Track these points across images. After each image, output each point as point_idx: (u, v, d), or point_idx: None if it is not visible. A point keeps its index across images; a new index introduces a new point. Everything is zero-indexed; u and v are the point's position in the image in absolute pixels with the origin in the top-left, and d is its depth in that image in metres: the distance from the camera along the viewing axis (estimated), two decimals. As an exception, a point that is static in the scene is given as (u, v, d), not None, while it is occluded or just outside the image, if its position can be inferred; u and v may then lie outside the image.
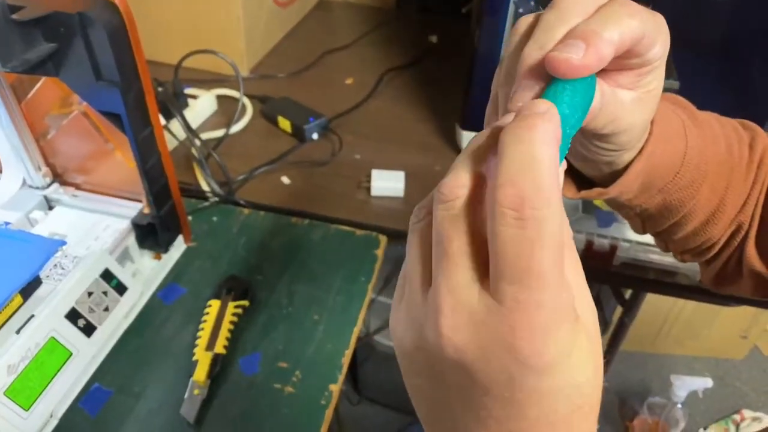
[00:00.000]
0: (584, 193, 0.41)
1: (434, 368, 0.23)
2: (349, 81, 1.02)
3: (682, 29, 0.97)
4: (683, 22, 0.91)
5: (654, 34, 0.28)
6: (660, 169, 0.39)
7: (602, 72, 0.30)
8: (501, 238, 0.21)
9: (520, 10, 0.68)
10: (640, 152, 0.38)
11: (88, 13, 0.47)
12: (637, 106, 0.32)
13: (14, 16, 0.45)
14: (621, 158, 0.37)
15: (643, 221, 0.46)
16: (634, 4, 0.28)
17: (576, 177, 0.42)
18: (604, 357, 1.20)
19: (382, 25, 1.20)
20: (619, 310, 1.08)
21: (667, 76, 0.91)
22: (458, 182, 0.23)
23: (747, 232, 0.45)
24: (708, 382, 1.19)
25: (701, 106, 0.71)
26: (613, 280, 0.72)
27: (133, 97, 0.52)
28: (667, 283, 0.68)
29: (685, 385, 1.18)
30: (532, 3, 0.68)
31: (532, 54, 0.26)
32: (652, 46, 0.29)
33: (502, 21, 0.70)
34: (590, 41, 0.25)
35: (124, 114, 0.52)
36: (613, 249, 0.67)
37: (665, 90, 0.92)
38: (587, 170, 0.41)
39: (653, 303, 1.31)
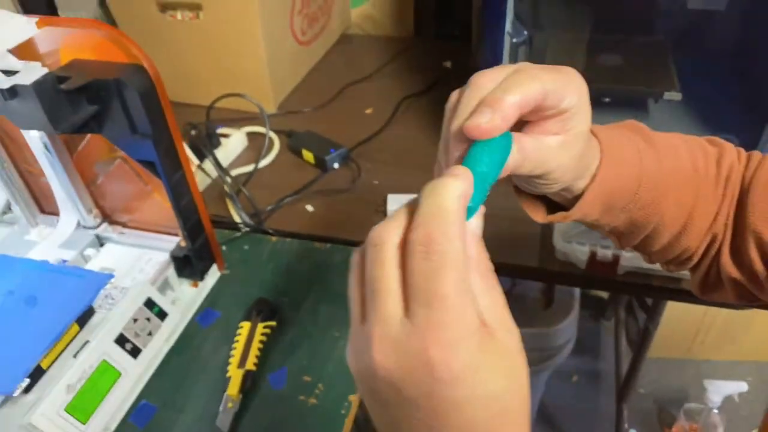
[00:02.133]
0: (550, 217, 0.46)
1: (374, 389, 0.28)
2: (368, 111, 1.08)
3: (687, 41, 1.00)
4: (688, 34, 0.94)
5: (560, 89, 0.34)
6: (617, 191, 0.43)
7: (532, 123, 0.36)
8: (413, 269, 0.26)
9: (514, 40, 0.73)
10: (593, 179, 0.42)
11: (122, 79, 0.54)
12: (563, 148, 0.37)
13: (62, 86, 0.53)
14: (575, 186, 0.42)
15: (617, 237, 0.50)
16: (536, 67, 0.33)
17: (547, 203, 0.47)
18: (633, 365, 1.21)
19: (400, 54, 1.26)
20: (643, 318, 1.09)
21: (669, 88, 0.94)
22: (386, 229, 0.28)
23: (721, 242, 0.48)
24: (743, 386, 1.18)
25: (705, 114, 0.74)
26: (618, 288, 0.74)
27: (164, 146, 0.60)
28: (672, 290, 0.71)
29: (719, 390, 1.18)
30: (525, 33, 0.73)
31: (454, 124, 0.33)
32: (561, 98, 0.34)
33: (499, 51, 0.75)
34: (495, 106, 0.31)
35: (158, 161, 0.60)
36: (616, 259, 0.70)
37: (669, 101, 0.95)
38: (555, 198, 0.46)
39: (686, 309, 1.31)
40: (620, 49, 0.93)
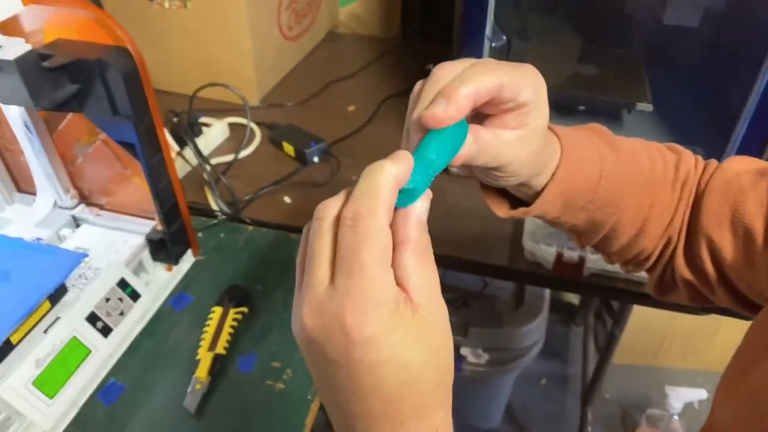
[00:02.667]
0: (512, 213, 0.47)
1: (307, 349, 0.31)
2: (351, 108, 1.10)
3: (661, 55, 1.04)
4: (662, 49, 0.97)
5: (516, 83, 0.36)
6: (576, 190, 0.45)
7: (493, 116, 0.38)
8: (341, 241, 0.29)
9: (493, 44, 0.75)
10: (553, 177, 0.44)
11: (105, 59, 0.55)
12: (520, 142, 0.39)
13: (44, 64, 0.54)
14: (534, 182, 0.44)
15: (577, 236, 0.52)
16: (495, 62, 0.36)
17: (511, 200, 0.49)
18: (598, 369, 1.24)
19: (385, 54, 1.28)
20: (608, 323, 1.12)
21: (641, 99, 0.97)
22: (327, 205, 0.31)
23: (676, 245, 0.50)
24: (703, 394, 1.22)
25: (676, 123, 0.76)
26: (583, 289, 0.77)
27: (145, 128, 0.61)
28: (635, 293, 0.73)
29: (681, 397, 1.21)
30: (504, 38, 0.75)
31: (413, 114, 0.35)
32: (517, 92, 0.36)
33: (477, 55, 0.77)
34: (450, 97, 0.33)
35: (137, 143, 0.60)
36: (582, 260, 0.72)
37: (640, 112, 0.98)
38: (517, 194, 0.48)
39: (652, 318, 1.35)
40: (597, 60, 0.96)
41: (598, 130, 0.49)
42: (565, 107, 0.94)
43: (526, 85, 0.36)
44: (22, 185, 0.79)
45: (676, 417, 1.24)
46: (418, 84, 0.37)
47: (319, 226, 0.30)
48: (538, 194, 0.45)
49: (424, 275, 0.30)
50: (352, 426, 0.31)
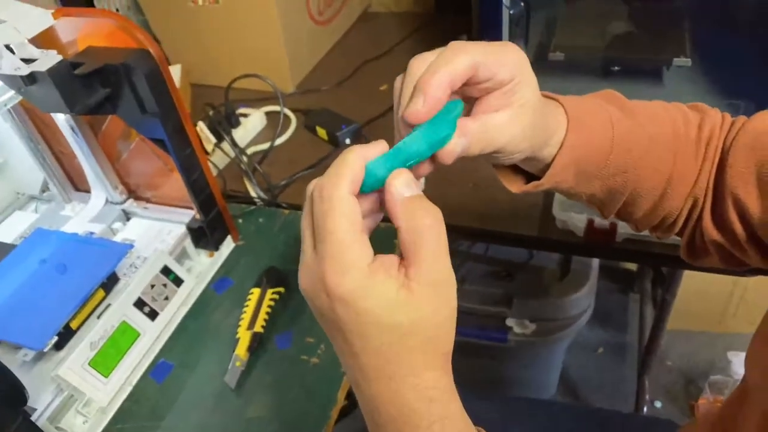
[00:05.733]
0: (524, 187, 0.48)
1: (310, 306, 0.35)
2: (383, 87, 1.11)
3: (704, 8, 0.98)
4: (697, 2, 0.92)
5: (492, 60, 0.36)
6: (588, 158, 0.45)
7: (479, 100, 0.39)
8: (314, 212, 0.32)
9: (512, 12, 0.74)
10: (561, 147, 0.44)
11: (130, 63, 0.59)
12: (511, 121, 0.39)
13: (76, 72, 0.58)
14: (541, 154, 0.44)
15: (598, 207, 0.51)
16: (469, 43, 0.36)
17: (525, 174, 0.49)
18: (653, 336, 1.20)
19: (418, 30, 1.28)
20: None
21: (678, 54, 0.92)
22: (313, 183, 0.34)
23: (702, 206, 0.49)
24: None
25: (717, 77, 0.72)
26: (617, 255, 0.75)
27: (172, 125, 0.64)
28: (671, 257, 0.71)
29: (743, 362, 1.15)
30: (522, 4, 0.73)
31: (398, 112, 0.37)
32: (494, 70, 0.36)
33: (498, 24, 0.76)
34: (426, 90, 0.34)
35: (166, 139, 0.64)
36: (614, 226, 0.71)
37: (682, 68, 0.94)
38: (529, 169, 0.47)
39: (713, 282, 1.29)
40: (631, 17, 0.92)
41: (611, 96, 0.48)
42: (599, 69, 0.91)
43: (502, 62, 0.37)
44: (79, 184, 0.86)
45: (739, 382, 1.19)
46: (398, 80, 0.39)
47: (306, 202, 0.34)
48: (545, 167, 0.45)
49: (418, 249, 0.32)
50: (355, 380, 0.35)
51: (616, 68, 0.90)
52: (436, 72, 0.34)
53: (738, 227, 0.47)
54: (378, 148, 0.34)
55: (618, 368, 1.45)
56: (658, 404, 1.37)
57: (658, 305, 1.16)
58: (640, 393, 1.31)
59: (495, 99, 0.38)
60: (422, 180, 0.38)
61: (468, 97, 0.39)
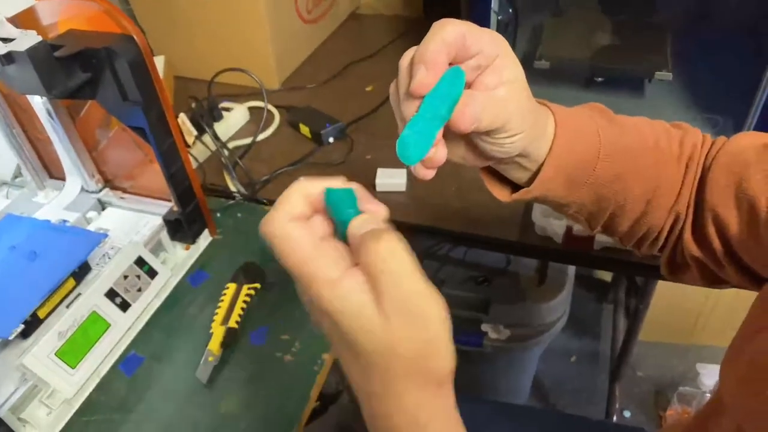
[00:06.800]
0: (514, 196, 0.48)
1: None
2: (369, 88, 1.11)
3: (686, 24, 0.99)
4: (687, 17, 0.94)
5: (476, 31, 0.38)
6: (576, 163, 0.45)
7: (474, 83, 0.40)
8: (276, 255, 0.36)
9: (500, 17, 0.74)
10: (549, 152, 0.44)
11: (112, 48, 0.58)
12: (510, 96, 0.40)
13: (56, 54, 0.57)
14: (533, 155, 0.44)
15: (586, 218, 0.51)
16: (451, 19, 0.38)
17: (512, 186, 0.49)
18: (625, 345, 1.22)
19: (406, 34, 1.28)
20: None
21: (660, 68, 0.94)
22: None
23: (684, 222, 0.50)
24: (735, 371, 1.18)
25: (697, 92, 0.73)
26: (594, 263, 0.76)
27: (154, 114, 0.63)
28: (648, 266, 0.72)
29: (712, 374, 1.18)
30: (511, 11, 0.74)
31: (401, 91, 0.39)
32: (479, 40, 0.38)
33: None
34: (424, 60, 0.36)
35: (147, 128, 0.63)
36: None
37: (664, 82, 0.95)
38: (519, 177, 0.48)
39: (687, 293, 1.31)
40: (616, 30, 0.93)
41: (597, 108, 0.49)
42: (582, 79, 0.92)
43: (485, 37, 0.38)
44: (54, 172, 0.84)
45: (708, 394, 1.22)
46: (392, 85, 0.40)
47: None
48: (533, 176, 0.45)
49: (377, 284, 0.32)
50: (364, 403, 0.36)
51: (600, 79, 0.91)
52: (429, 42, 0.37)
53: (717, 243, 0.48)
54: (317, 182, 0.38)
55: (590, 376, 1.46)
56: (627, 413, 1.39)
57: (631, 315, 1.17)
58: (610, 401, 1.32)
59: (488, 77, 0.39)
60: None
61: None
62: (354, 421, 0.91)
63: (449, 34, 0.37)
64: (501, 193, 0.49)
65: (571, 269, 1.16)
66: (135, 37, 0.59)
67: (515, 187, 0.49)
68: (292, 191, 0.37)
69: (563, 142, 0.44)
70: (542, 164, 0.45)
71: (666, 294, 1.23)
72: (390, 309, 0.31)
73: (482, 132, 0.41)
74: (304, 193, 0.37)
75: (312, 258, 0.33)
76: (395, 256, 0.32)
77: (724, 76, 0.82)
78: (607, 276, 1.60)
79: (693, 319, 1.40)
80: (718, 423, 0.44)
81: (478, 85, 0.40)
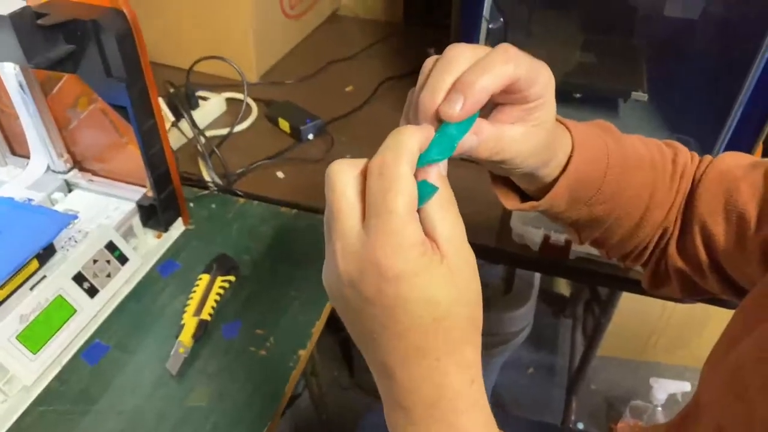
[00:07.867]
0: (521, 206, 0.48)
1: (341, 295, 0.33)
2: (349, 89, 1.10)
3: (661, 46, 1.03)
4: (662, 40, 0.97)
5: (532, 75, 0.35)
6: (584, 185, 0.46)
7: (498, 105, 0.38)
8: (369, 188, 0.31)
9: (491, 26, 0.75)
10: (564, 170, 0.45)
11: (100, 20, 0.56)
12: (524, 138, 0.39)
13: (39, 21, 0.54)
14: (539, 173, 0.44)
15: (577, 231, 0.52)
16: (513, 50, 0.35)
17: (520, 193, 0.50)
18: (584, 358, 1.24)
19: (387, 38, 1.28)
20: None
21: (637, 88, 0.96)
22: (341, 163, 0.33)
23: (670, 235, 0.51)
24: (686, 386, 1.23)
25: (671, 113, 0.74)
26: (569, 273, 0.77)
27: (138, 92, 0.61)
28: (621, 279, 0.74)
29: (664, 388, 1.22)
30: (502, 20, 0.75)
31: (424, 101, 0.34)
32: (530, 85, 0.36)
33: (475, 36, 0.77)
34: (467, 93, 0.33)
35: (130, 106, 0.61)
36: (568, 243, 0.73)
37: (638, 102, 0.98)
38: (525, 187, 0.48)
39: (642, 310, 1.35)
40: (596, 48, 0.96)
41: (605, 126, 0.50)
42: (561, 94, 0.93)
43: (537, 80, 0.36)
44: (17, 148, 0.80)
45: (659, 408, 1.25)
46: (429, 62, 0.36)
47: (334, 182, 0.32)
48: (542, 187, 0.45)
49: (450, 225, 0.32)
50: (390, 365, 0.33)
51: (578, 95, 0.93)
52: (481, 76, 0.33)
53: (702, 254, 0.49)
54: (427, 134, 0.33)
55: (546, 388, 1.49)
56: (580, 425, 1.42)
57: (591, 329, 1.20)
58: (566, 413, 1.34)
59: (516, 111, 0.38)
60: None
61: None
62: (310, 424, 0.89)
63: (505, 76, 0.34)
64: (507, 200, 0.49)
65: (537, 281, 1.18)
66: (125, 12, 0.57)
67: (520, 192, 0.50)
68: (411, 138, 0.32)
69: (579, 163, 0.45)
70: (553, 180, 0.45)
71: (622, 311, 1.26)
72: (460, 267, 0.32)
73: (483, 161, 0.40)
74: (417, 143, 0.32)
75: (412, 219, 0.31)
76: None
77: (697, 98, 0.86)
78: (566, 291, 1.63)
79: (646, 337, 1.44)
80: (696, 428, 0.45)
81: (502, 114, 0.38)
